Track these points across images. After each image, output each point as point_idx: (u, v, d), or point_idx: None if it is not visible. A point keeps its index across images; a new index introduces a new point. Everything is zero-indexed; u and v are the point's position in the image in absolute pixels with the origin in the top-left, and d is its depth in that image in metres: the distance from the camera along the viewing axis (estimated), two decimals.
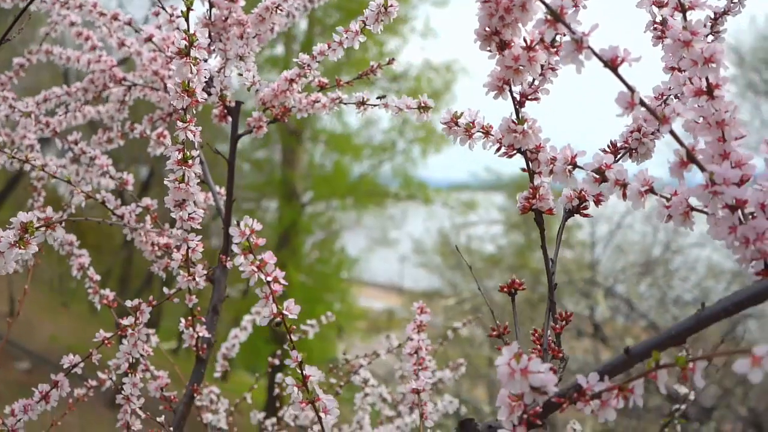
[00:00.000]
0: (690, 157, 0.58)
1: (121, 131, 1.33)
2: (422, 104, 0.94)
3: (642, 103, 0.56)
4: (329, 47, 1.01)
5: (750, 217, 0.58)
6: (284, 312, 0.71)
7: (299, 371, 0.73)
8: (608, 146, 0.77)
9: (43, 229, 0.73)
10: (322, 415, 0.73)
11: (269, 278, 0.70)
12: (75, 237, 1.23)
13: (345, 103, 1.06)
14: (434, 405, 1.41)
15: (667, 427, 1.18)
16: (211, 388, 1.47)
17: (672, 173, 0.59)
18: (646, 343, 0.57)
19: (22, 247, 0.75)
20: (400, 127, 12.44)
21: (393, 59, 1.13)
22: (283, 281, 0.70)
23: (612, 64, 0.57)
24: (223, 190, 1.23)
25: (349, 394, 1.49)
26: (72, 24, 1.27)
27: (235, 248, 0.69)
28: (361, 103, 1.05)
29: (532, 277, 7.66)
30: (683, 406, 1.20)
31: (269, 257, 0.70)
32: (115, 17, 1.17)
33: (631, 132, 0.76)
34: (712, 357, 0.49)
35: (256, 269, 0.69)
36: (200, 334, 1.06)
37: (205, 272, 1.00)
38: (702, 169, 0.57)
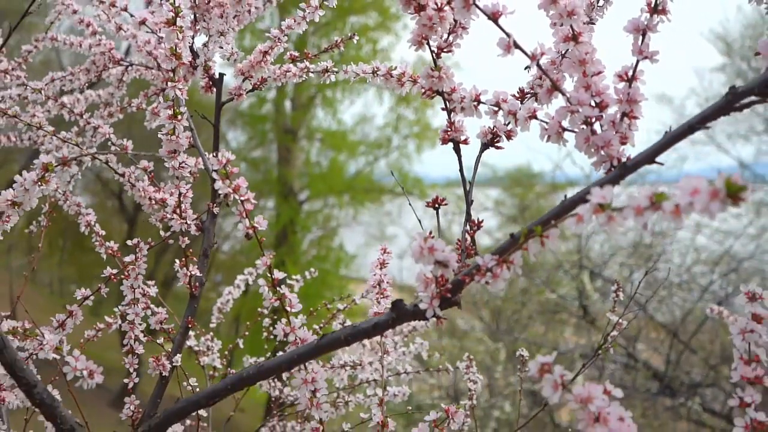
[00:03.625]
0: (554, 87, 0.75)
1: (120, 106, 1.51)
2: (375, 69, 1.11)
3: (516, 45, 0.74)
4: (295, 21, 1.20)
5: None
6: (255, 225, 0.89)
7: (269, 275, 0.91)
8: (517, 91, 0.95)
9: (60, 166, 0.91)
10: (288, 308, 0.91)
11: (243, 198, 0.88)
12: (81, 200, 1.41)
13: (312, 72, 1.25)
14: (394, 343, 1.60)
15: (600, 349, 1.36)
16: (207, 336, 1.65)
17: (541, 99, 0.77)
18: (522, 229, 0.75)
19: (43, 183, 0.92)
20: (395, 123, 12.63)
21: (354, 34, 1.31)
22: (253, 201, 0.88)
23: (494, 16, 0.75)
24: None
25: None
26: (74, 12, 1.45)
27: (214, 175, 0.87)
28: (325, 71, 1.23)
29: (527, 269, 7.87)
30: (615, 333, 1.38)
31: (242, 182, 0.88)
32: (112, 4, 1.35)
33: (535, 79, 0.94)
34: (557, 224, 0.67)
35: (232, 191, 0.87)
36: (193, 273, 1.24)
37: (195, 217, 1.18)
38: (563, 94, 0.75)
